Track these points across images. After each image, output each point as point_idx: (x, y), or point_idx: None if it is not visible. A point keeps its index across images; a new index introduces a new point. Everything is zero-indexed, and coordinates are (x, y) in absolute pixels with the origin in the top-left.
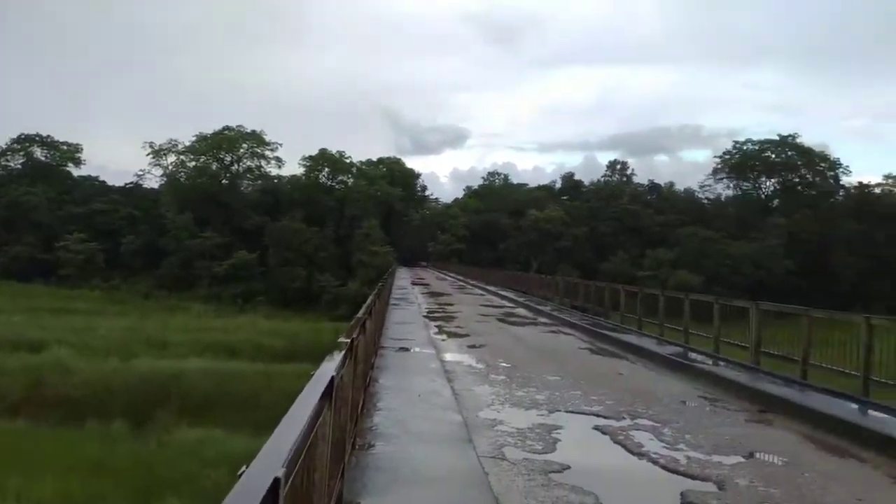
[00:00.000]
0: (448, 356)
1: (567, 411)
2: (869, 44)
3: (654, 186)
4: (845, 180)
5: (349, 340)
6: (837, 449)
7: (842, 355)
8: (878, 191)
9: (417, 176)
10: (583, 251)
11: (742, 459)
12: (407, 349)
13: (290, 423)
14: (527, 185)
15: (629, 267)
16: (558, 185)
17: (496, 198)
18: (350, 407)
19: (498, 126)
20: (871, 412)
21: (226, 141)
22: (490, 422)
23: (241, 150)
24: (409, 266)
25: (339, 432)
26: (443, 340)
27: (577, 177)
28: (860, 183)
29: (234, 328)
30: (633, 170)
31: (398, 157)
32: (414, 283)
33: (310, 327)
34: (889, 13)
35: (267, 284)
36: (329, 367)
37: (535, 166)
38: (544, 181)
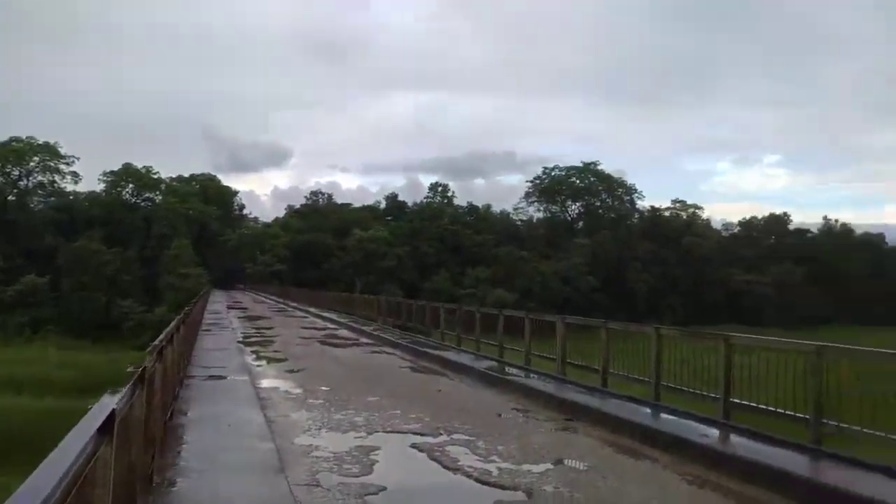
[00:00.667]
0: (264, 382)
1: (385, 431)
2: (662, 80)
3: (472, 208)
4: (640, 204)
5: (139, 370)
6: (634, 451)
7: (636, 364)
8: (667, 214)
9: (235, 194)
10: (407, 270)
11: (550, 467)
12: (219, 377)
13: (52, 466)
14: (351, 205)
15: (451, 285)
16: (383, 205)
17: (320, 217)
18: (145, 443)
19: (321, 145)
20: (662, 415)
21: (12, 153)
22: (306, 448)
23: (32, 164)
24: (224, 289)
25: (125, 472)
26: (259, 366)
27: (400, 198)
28: (652, 207)
29: (19, 360)
30: (453, 192)
31: (214, 174)
32: (230, 307)
33: (108, 358)
34: (677, 54)
35: (60, 311)
36: (110, 400)
37: (359, 186)
38: (369, 201)
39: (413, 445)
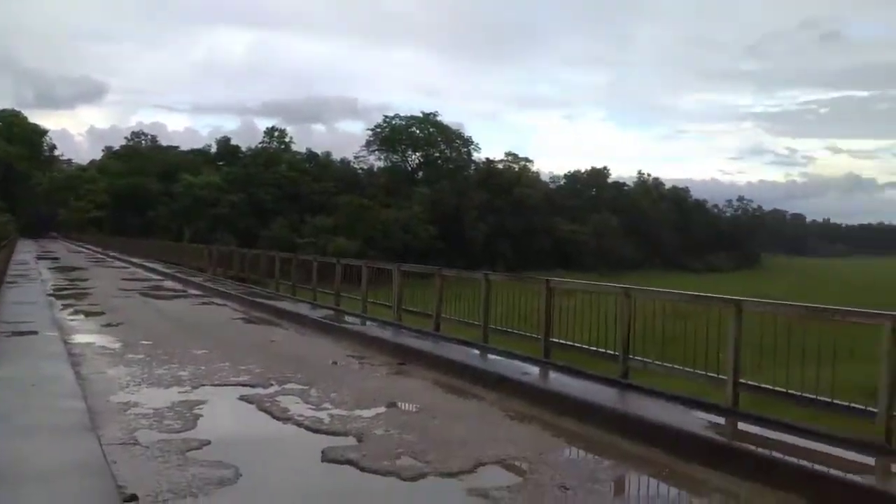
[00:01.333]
0: (77, 338)
1: (213, 385)
2: (497, 37)
3: (312, 155)
4: (476, 156)
5: None
6: (462, 391)
7: (468, 309)
8: (500, 166)
9: (44, 133)
10: (242, 218)
11: (382, 410)
12: (24, 333)
13: None
14: (179, 147)
15: (289, 233)
16: (214, 149)
17: (143, 160)
18: None
19: (143, 82)
20: (490, 356)
21: None
22: (122, 405)
23: None
24: (35, 238)
25: None
26: (72, 321)
27: (234, 142)
28: (487, 159)
29: None
30: (291, 137)
31: (17, 109)
32: (40, 258)
33: None
34: (511, 11)
35: None
36: None
37: (187, 128)
38: (198, 145)
39: (242, 397)
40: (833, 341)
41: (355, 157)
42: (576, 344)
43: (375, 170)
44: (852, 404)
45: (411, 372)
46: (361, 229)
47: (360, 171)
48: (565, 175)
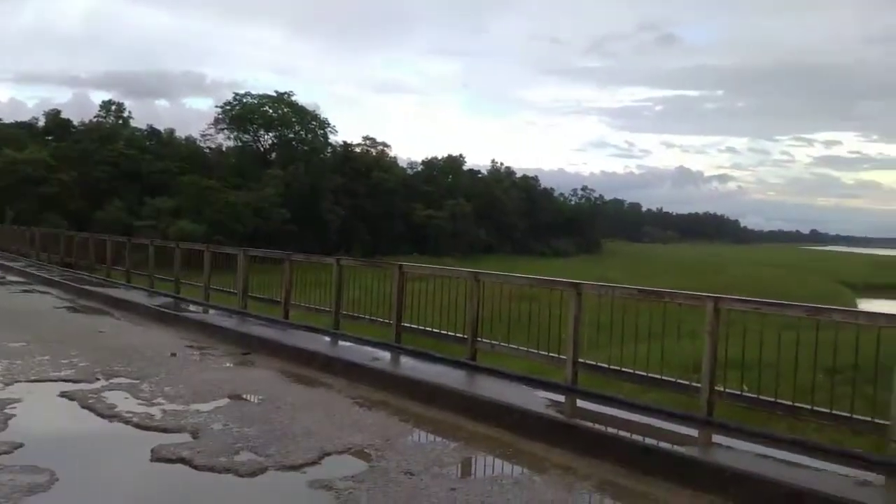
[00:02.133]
0: None
1: (29, 381)
2: (357, 20)
3: (153, 132)
4: (333, 139)
5: None
6: (310, 380)
7: (320, 295)
8: (358, 150)
9: None
10: (73, 199)
11: (222, 403)
12: None
13: None
14: (1, 120)
15: (127, 216)
16: (42, 123)
17: None
18: None
19: None
20: (340, 343)
21: None
22: None
23: None
24: None
25: None
26: None
27: (65, 115)
28: (344, 142)
29: None
30: (130, 112)
31: None
32: None
33: None
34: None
35: None
36: None
37: (11, 99)
38: (24, 117)
39: (63, 394)
40: (663, 320)
41: (202, 136)
42: (427, 328)
43: (225, 149)
44: (679, 380)
45: (256, 362)
46: (209, 212)
47: (207, 151)
48: (423, 161)
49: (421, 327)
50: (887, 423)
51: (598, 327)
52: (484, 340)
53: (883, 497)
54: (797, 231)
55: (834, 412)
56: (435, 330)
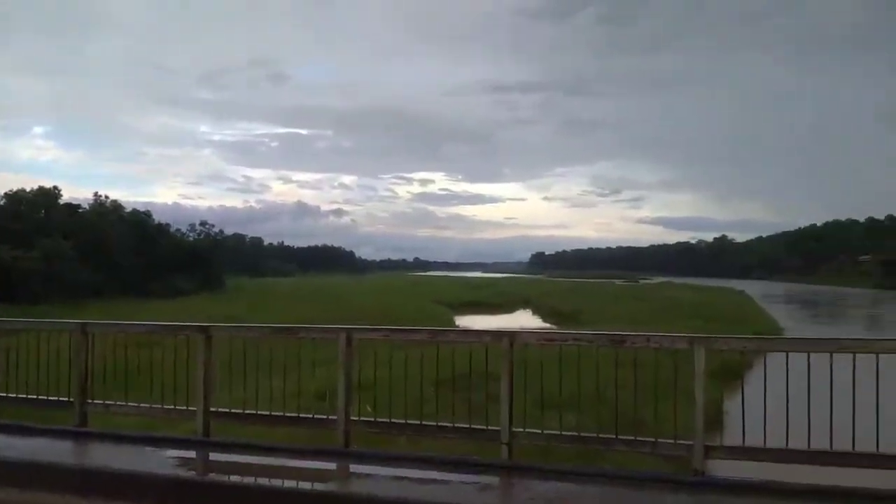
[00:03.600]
0: None
1: None
2: None
3: None
4: None
5: None
6: None
7: None
8: None
9: None
10: None
11: None
12: None
13: None
14: None
15: None
16: None
17: None
18: None
19: None
20: None
21: None
22: None
23: None
24: None
25: None
26: None
27: None
28: None
29: None
30: None
31: None
32: None
33: None
34: None
35: None
36: None
37: None
38: None
39: None
40: (298, 355)
41: None
42: (22, 395)
43: None
44: (315, 415)
45: None
46: None
47: None
48: (6, 194)
49: (12, 395)
50: (498, 428)
51: (231, 370)
52: (96, 402)
53: (499, 498)
54: (403, 259)
55: (456, 425)
56: (31, 396)
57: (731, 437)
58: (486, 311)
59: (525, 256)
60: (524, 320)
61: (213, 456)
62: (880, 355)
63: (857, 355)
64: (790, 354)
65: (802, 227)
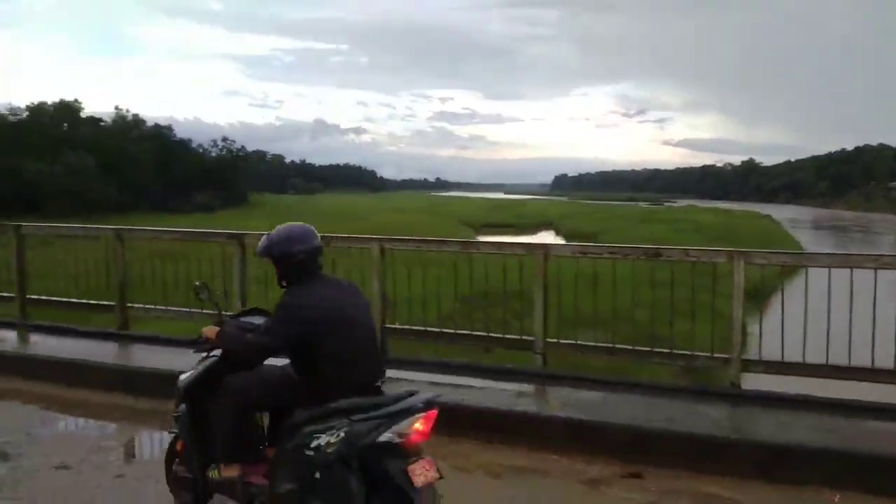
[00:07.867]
0: None
1: None
2: None
3: None
4: None
5: None
6: None
7: None
8: None
9: None
10: None
11: None
12: None
13: None
14: None
15: None
16: None
17: None
18: None
19: None
20: None
21: None
22: None
23: None
24: None
25: None
26: None
27: None
28: None
29: None
30: None
31: None
32: None
33: None
34: None
35: None
36: None
37: None
38: None
39: None
40: (331, 263)
41: None
42: (64, 299)
43: None
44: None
45: None
46: None
47: None
48: (28, 107)
49: (54, 298)
50: (532, 338)
51: (266, 282)
52: (135, 306)
53: (537, 404)
54: (425, 179)
55: (490, 335)
56: (74, 300)
57: (765, 353)
58: (508, 232)
59: (547, 178)
60: (549, 241)
61: None
62: None
63: None
64: (832, 271)
65: (832, 151)
